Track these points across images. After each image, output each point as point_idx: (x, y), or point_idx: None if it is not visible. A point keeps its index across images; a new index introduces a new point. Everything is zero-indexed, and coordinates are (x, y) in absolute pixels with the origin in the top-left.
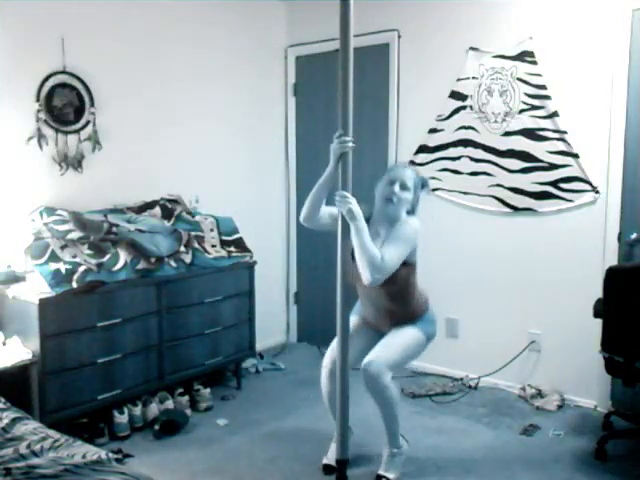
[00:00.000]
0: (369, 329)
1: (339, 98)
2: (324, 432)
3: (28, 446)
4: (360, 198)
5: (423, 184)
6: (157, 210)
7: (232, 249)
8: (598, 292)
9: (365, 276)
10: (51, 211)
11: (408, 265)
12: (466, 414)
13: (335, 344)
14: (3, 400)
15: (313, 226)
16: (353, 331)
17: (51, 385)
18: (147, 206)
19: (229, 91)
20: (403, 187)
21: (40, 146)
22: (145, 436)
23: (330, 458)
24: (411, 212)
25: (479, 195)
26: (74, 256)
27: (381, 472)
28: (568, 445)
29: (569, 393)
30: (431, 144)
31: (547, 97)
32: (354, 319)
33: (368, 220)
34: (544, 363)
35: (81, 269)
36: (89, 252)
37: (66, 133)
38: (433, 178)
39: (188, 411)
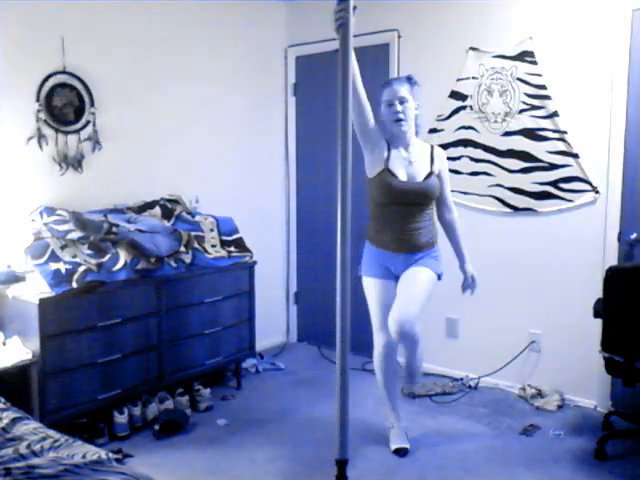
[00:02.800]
0: (390, 282)
1: (339, 98)
2: (324, 432)
3: (28, 446)
4: (360, 198)
5: (412, 82)
6: (157, 210)
7: (232, 249)
8: (598, 292)
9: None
10: (51, 211)
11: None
12: (466, 414)
13: (384, 320)
14: (3, 400)
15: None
16: (381, 294)
17: (51, 385)
18: (147, 206)
19: (229, 91)
20: (402, 101)
21: (40, 146)
22: (145, 436)
23: (395, 441)
24: (417, 117)
25: (479, 195)
26: (74, 256)
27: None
28: (568, 445)
29: (569, 393)
30: (431, 144)
31: (547, 97)
32: (372, 281)
33: (389, 146)
34: (544, 363)
35: (81, 269)
36: (89, 252)
37: (66, 133)
38: None
39: (188, 411)
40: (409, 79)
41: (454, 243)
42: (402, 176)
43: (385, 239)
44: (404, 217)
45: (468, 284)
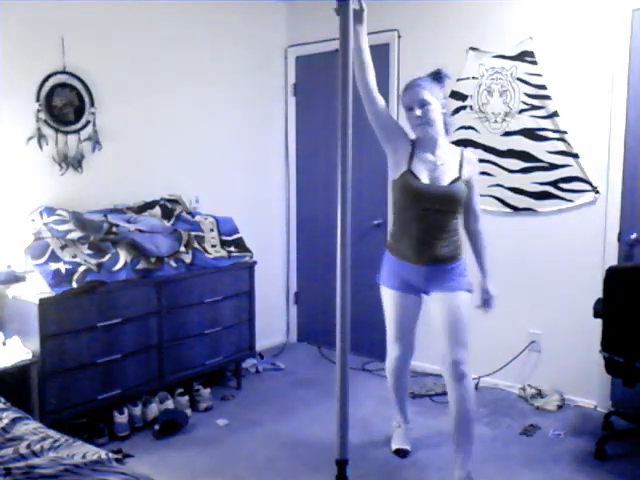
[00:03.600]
0: (408, 295)
1: (339, 98)
2: (324, 432)
3: (28, 446)
4: (360, 198)
5: (438, 79)
6: (157, 210)
7: (232, 249)
8: (598, 292)
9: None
10: (51, 211)
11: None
12: None
13: (394, 349)
14: (3, 400)
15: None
16: (397, 307)
17: (51, 385)
18: (147, 206)
19: (229, 91)
20: (422, 104)
21: (40, 146)
22: (145, 436)
23: (397, 442)
24: (445, 116)
25: (479, 195)
26: (74, 256)
27: None
28: (568, 445)
29: (569, 393)
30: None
31: (547, 97)
32: (388, 292)
33: (413, 148)
34: (544, 363)
35: (81, 269)
36: (89, 252)
37: (66, 133)
38: None
39: (188, 411)
40: (435, 76)
41: (477, 256)
42: (425, 179)
43: (404, 248)
44: (425, 224)
45: (486, 303)
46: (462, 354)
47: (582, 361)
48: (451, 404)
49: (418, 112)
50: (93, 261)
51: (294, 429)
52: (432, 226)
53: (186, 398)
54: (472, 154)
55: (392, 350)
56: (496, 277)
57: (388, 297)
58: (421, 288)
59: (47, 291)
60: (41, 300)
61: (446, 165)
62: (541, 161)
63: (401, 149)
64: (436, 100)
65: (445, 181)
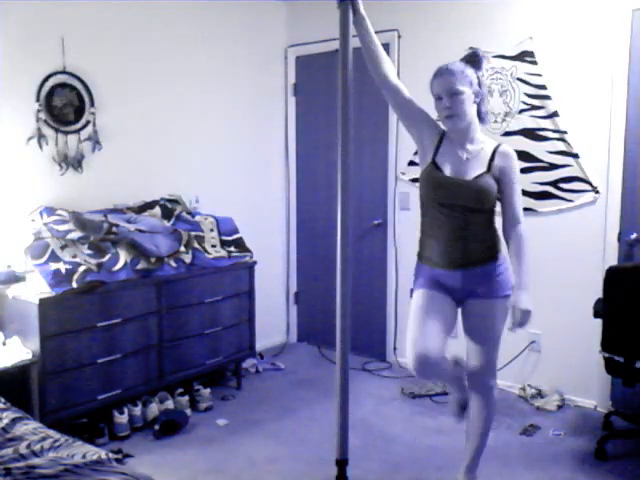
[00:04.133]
0: (440, 294)
1: (339, 98)
2: (324, 432)
3: (28, 446)
4: (360, 198)
5: (474, 62)
6: (157, 210)
7: (232, 249)
8: (598, 292)
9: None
10: (51, 211)
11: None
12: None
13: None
14: (3, 400)
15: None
16: (424, 303)
17: (51, 385)
18: (147, 206)
19: (229, 91)
20: (454, 94)
21: (40, 146)
22: (145, 436)
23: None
24: (480, 104)
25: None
26: (74, 256)
27: None
28: (568, 445)
29: (569, 393)
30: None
31: (547, 97)
32: (417, 292)
33: (442, 138)
34: (544, 363)
35: (81, 269)
36: (89, 252)
37: (66, 133)
38: None
39: (188, 411)
40: (470, 58)
41: (514, 264)
42: (448, 171)
43: (432, 253)
44: (451, 224)
45: (517, 320)
46: (488, 374)
47: (582, 361)
48: (472, 411)
49: (447, 103)
50: (93, 261)
51: (294, 429)
52: (458, 226)
53: (186, 398)
54: (508, 148)
55: (410, 353)
56: None
57: (416, 296)
58: (457, 294)
59: (47, 291)
60: (41, 300)
61: (475, 159)
62: (541, 161)
63: (427, 140)
64: (468, 88)
65: (470, 175)
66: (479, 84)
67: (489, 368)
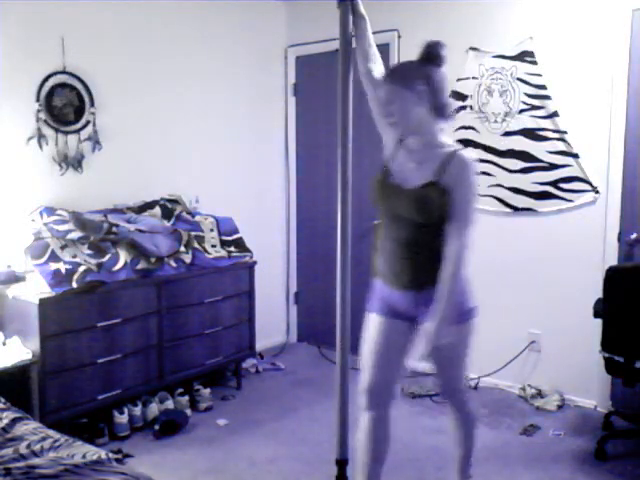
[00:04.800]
0: (398, 330)
1: (339, 98)
2: (323, 432)
3: (28, 446)
4: (361, 198)
5: (431, 59)
6: (157, 210)
7: (232, 249)
8: (598, 292)
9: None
10: (51, 211)
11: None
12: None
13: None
14: (3, 400)
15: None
16: (383, 341)
17: (51, 385)
18: (147, 206)
19: (229, 91)
20: (398, 99)
21: (40, 146)
22: (145, 436)
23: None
24: (435, 100)
25: (479, 195)
26: (74, 256)
27: None
28: (568, 445)
29: (569, 393)
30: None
31: (547, 97)
32: (370, 317)
33: (401, 142)
34: (544, 363)
35: (81, 269)
36: (89, 252)
37: (66, 133)
38: None
39: (188, 411)
40: (426, 56)
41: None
42: (395, 179)
43: (383, 268)
44: (398, 238)
45: (417, 354)
46: (457, 392)
47: (582, 361)
48: (452, 424)
49: (391, 109)
50: (93, 261)
51: (294, 429)
52: (406, 242)
53: (186, 398)
54: (466, 156)
55: (362, 399)
56: (496, 277)
57: (371, 324)
58: (410, 317)
59: (47, 291)
60: (41, 300)
61: (424, 166)
62: (541, 161)
63: (390, 143)
64: (414, 92)
65: (414, 184)
66: (432, 81)
67: (457, 387)
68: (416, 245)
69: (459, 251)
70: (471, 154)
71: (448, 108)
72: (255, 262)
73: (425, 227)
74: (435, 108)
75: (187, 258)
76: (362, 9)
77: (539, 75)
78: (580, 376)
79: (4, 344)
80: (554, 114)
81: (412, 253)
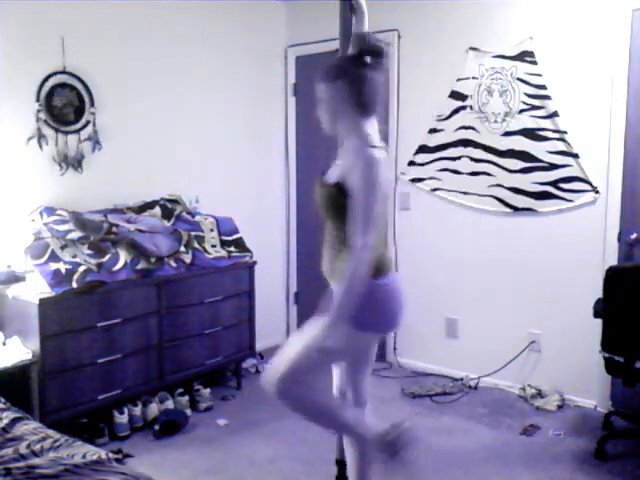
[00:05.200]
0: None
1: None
2: (324, 432)
3: (28, 446)
4: None
5: (362, 51)
6: (157, 210)
7: (232, 249)
8: (598, 292)
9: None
10: (51, 211)
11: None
12: (466, 414)
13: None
14: (3, 400)
15: None
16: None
17: (51, 385)
18: (147, 206)
19: (229, 91)
20: (320, 101)
21: (40, 146)
22: (145, 436)
23: None
24: (362, 106)
25: (479, 195)
26: (74, 256)
27: None
28: (568, 445)
29: (569, 393)
30: (431, 144)
31: (547, 97)
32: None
33: None
34: (544, 363)
35: (81, 269)
36: (89, 252)
37: (66, 133)
38: (433, 178)
39: (188, 411)
40: (360, 53)
41: None
42: (325, 176)
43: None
44: (325, 233)
45: None
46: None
47: (582, 361)
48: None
49: (318, 112)
50: (93, 261)
51: (294, 429)
52: (324, 235)
53: (186, 398)
54: (366, 154)
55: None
56: (496, 277)
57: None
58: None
59: (47, 291)
60: (41, 300)
61: (340, 165)
62: (541, 161)
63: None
64: (334, 88)
65: (327, 181)
66: (353, 76)
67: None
68: (330, 241)
69: (358, 250)
70: (374, 152)
71: (372, 104)
72: (255, 262)
73: (330, 223)
74: (358, 104)
75: (187, 258)
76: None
77: (539, 75)
78: (580, 376)
79: (4, 344)
80: (554, 114)
81: (328, 247)
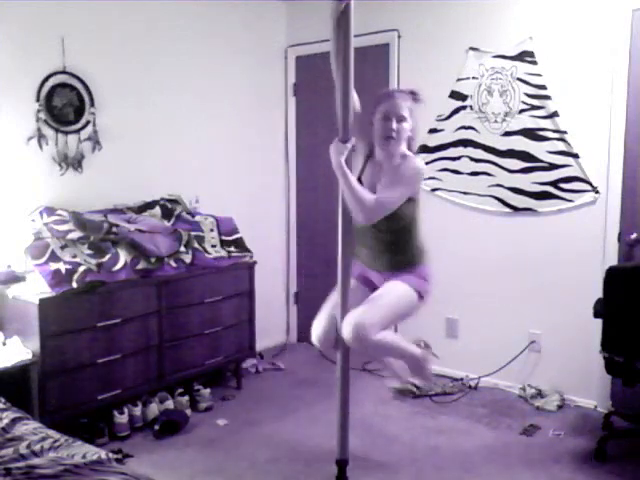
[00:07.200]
0: (364, 289)
1: (339, 98)
2: (324, 432)
3: (28, 446)
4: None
5: (416, 99)
6: (157, 210)
7: (232, 249)
8: (598, 292)
9: (358, 218)
10: (51, 211)
11: (413, 200)
12: (466, 414)
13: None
14: (3, 400)
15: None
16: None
17: (51, 385)
18: (147, 206)
19: (229, 91)
20: (400, 120)
21: (40, 146)
22: (145, 436)
23: None
24: (411, 140)
25: (479, 195)
26: (74, 256)
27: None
28: (568, 445)
29: (569, 393)
30: (431, 144)
31: (547, 97)
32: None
33: (369, 156)
34: (544, 363)
35: (81, 269)
36: (89, 252)
37: (66, 133)
38: (433, 178)
39: (188, 411)
40: (413, 94)
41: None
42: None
43: (362, 254)
44: (377, 234)
45: None
46: (358, 320)
47: (582, 361)
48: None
49: (394, 125)
50: (93, 261)
51: (294, 429)
52: (383, 237)
53: (186, 398)
54: (417, 163)
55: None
56: (496, 277)
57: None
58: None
59: (47, 291)
60: (41, 300)
61: (394, 179)
62: (541, 161)
63: (360, 152)
64: (409, 118)
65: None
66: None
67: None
68: (377, 238)
69: (375, 200)
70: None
71: (416, 143)
72: (255, 262)
73: (383, 225)
74: (410, 143)
75: (187, 258)
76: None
77: (539, 75)
78: (580, 376)
79: (4, 344)
80: (554, 114)
81: (372, 243)
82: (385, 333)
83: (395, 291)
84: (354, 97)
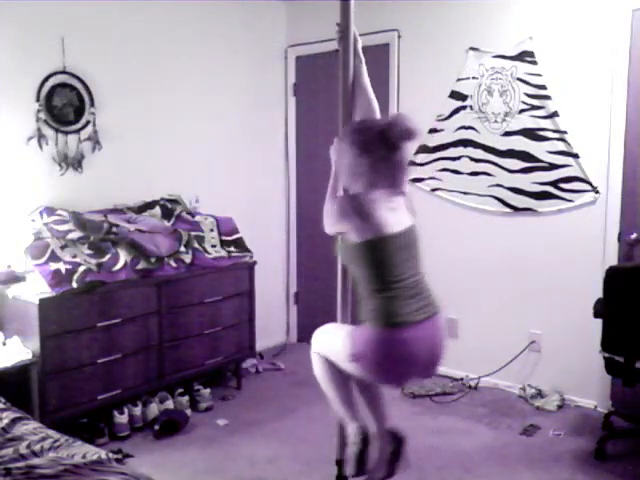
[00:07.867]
0: None
1: (339, 98)
2: (323, 432)
3: (28, 446)
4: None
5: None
6: (157, 210)
7: (232, 249)
8: (598, 292)
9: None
10: (51, 211)
11: (360, 246)
12: (466, 414)
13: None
14: (3, 400)
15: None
16: None
17: (51, 385)
18: (147, 206)
19: (229, 91)
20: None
21: (40, 146)
22: (145, 436)
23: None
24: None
25: (479, 195)
26: (74, 256)
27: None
28: (568, 445)
29: (569, 393)
30: (431, 144)
31: (547, 97)
32: None
33: None
34: (544, 363)
35: (81, 269)
36: (89, 252)
37: (66, 133)
38: (433, 178)
39: (188, 411)
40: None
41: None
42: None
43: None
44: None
45: None
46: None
47: (582, 361)
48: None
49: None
50: (93, 261)
51: (294, 429)
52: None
53: (186, 398)
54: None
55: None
56: (496, 277)
57: None
58: None
59: (47, 291)
60: (41, 300)
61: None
62: (541, 161)
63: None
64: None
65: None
66: None
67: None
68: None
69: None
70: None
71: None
72: (255, 262)
73: (358, 274)
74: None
75: (187, 258)
76: (360, 48)
77: (539, 75)
78: (580, 376)
79: (4, 344)
80: (554, 114)
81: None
82: (320, 362)
83: (343, 328)
84: (374, 103)
